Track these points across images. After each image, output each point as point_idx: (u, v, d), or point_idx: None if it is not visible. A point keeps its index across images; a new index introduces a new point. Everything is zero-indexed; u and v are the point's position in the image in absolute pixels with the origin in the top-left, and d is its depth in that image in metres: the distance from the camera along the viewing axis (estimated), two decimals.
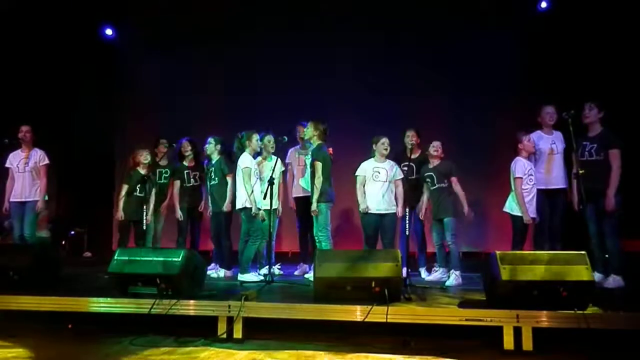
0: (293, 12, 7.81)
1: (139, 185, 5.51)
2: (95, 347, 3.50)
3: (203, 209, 5.89)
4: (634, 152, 4.91)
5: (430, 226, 5.29)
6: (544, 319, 3.37)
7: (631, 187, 4.71)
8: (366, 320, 3.49)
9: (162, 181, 5.95)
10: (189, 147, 5.89)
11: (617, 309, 3.45)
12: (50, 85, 7.99)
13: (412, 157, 5.38)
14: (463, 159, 6.72)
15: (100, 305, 3.86)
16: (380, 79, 7.68)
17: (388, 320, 3.45)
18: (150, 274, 3.87)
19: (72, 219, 8.29)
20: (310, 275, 5.01)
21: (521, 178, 4.65)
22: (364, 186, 5.15)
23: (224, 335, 3.63)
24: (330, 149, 5.21)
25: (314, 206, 5.00)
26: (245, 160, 5.15)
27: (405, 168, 5.24)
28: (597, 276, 4.44)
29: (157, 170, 5.88)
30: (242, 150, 5.24)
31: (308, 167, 5.43)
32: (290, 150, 5.92)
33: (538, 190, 4.83)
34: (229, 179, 5.47)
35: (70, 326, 3.87)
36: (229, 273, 5.48)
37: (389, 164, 5.17)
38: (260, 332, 3.68)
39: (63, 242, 7.95)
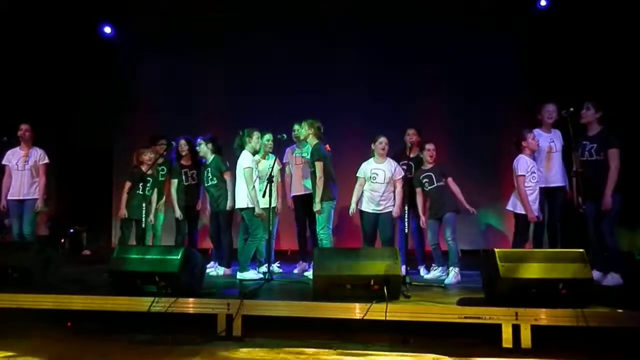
0: (293, 12, 7.80)
1: (141, 184, 5.51)
2: (95, 345, 3.49)
3: (200, 208, 5.87)
4: (634, 152, 4.91)
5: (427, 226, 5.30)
6: (542, 316, 3.38)
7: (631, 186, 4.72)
8: (365, 318, 3.50)
9: (159, 178, 5.95)
10: (186, 147, 5.88)
11: (615, 307, 3.45)
12: (49, 84, 7.98)
13: (411, 155, 5.38)
14: (463, 158, 6.75)
15: (100, 303, 3.86)
16: (380, 79, 7.67)
17: (387, 318, 3.46)
18: (149, 272, 3.87)
19: (71, 217, 8.28)
20: (309, 274, 5.02)
21: (524, 176, 4.65)
22: (362, 187, 5.18)
23: (223, 333, 3.63)
24: (327, 146, 5.22)
25: (317, 206, 5.00)
26: (246, 160, 5.14)
27: (404, 166, 5.24)
28: (596, 274, 4.44)
29: (155, 167, 5.87)
30: (242, 148, 5.24)
31: (307, 166, 5.44)
32: (287, 150, 5.93)
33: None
34: (226, 177, 5.46)
35: (69, 324, 3.86)
36: (228, 271, 5.48)
37: (389, 164, 5.18)
38: (259, 330, 3.68)
39: (62, 240, 7.94)
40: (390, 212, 5.15)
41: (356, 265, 3.76)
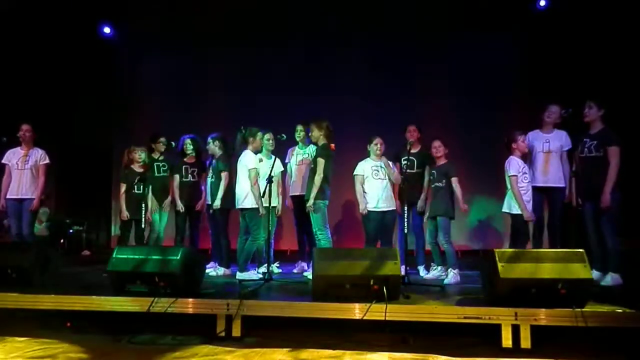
0: (293, 12, 7.80)
1: (135, 184, 5.51)
2: (94, 345, 3.49)
3: (200, 207, 5.86)
4: (633, 151, 4.91)
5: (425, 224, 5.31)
6: (542, 316, 3.37)
7: (631, 186, 4.72)
8: (365, 318, 3.50)
9: (160, 174, 5.93)
10: (191, 146, 5.89)
11: (615, 307, 3.45)
12: (49, 84, 7.98)
13: (413, 151, 5.40)
14: (463, 158, 6.74)
15: (99, 303, 3.86)
16: (380, 79, 7.68)
17: (387, 318, 3.45)
18: (149, 272, 3.87)
19: (71, 217, 8.28)
20: (308, 274, 5.02)
21: (516, 176, 4.66)
22: (363, 185, 5.17)
23: (223, 334, 3.63)
24: (333, 145, 5.23)
25: (310, 202, 4.99)
26: (250, 161, 5.14)
27: (406, 162, 5.25)
28: (596, 274, 4.45)
29: (154, 164, 5.87)
30: (244, 144, 5.24)
31: (310, 166, 5.44)
32: (289, 150, 5.93)
33: (535, 188, 4.84)
34: (222, 176, 5.46)
35: (68, 324, 3.86)
36: (227, 271, 5.48)
37: (385, 161, 5.22)
38: (259, 330, 3.68)
39: (61, 241, 7.95)
40: (393, 211, 5.17)
41: (355, 265, 3.75)
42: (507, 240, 4.90)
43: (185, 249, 4.05)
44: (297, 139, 5.78)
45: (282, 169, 5.80)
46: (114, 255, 4.05)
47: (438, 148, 5.09)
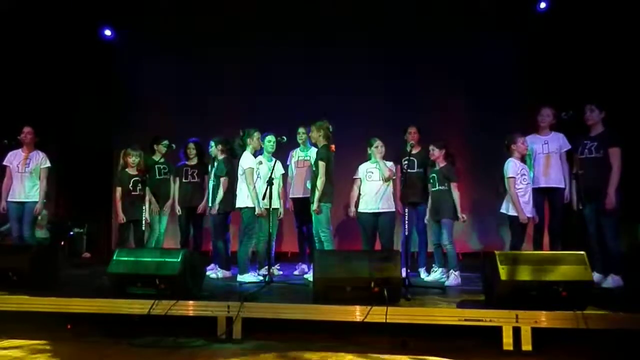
0: (293, 12, 7.81)
1: (131, 185, 5.51)
2: (94, 347, 3.49)
3: (202, 210, 5.86)
4: (633, 151, 4.91)
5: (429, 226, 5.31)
6: (543, 319, 3.37)
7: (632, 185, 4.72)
8: (365, 320, 3.50)
9: (160, 176, 5.93)
10: (194, 150, 5.90)
11: (616, 309, 3.45)
12: (50, 86, 7.98)
13: (413, 152, 5.41)
14: (463, 159, 6.73)
15: (100, 306, 3.85)
16: (380, 80, 7.67)
17: (387, 321, 3.45)
18: (149, 274, 3.87)
19: (71, 219, 8.27)
20: (309, 276, 5.01)
21: (514, 178, 4.66)
22: (357, 188, 5.21)
23: (224, 336, 3.63)
24: (333, 146, 5.23)
25: (315, 205, 5.01)
26: (247, 161, 5.15)
27: (406, 162, 5.26)
28: (596, 276, 4.45)
29: (155, 167, 5.87)
30: (243, 148, 5.25)
31: (311, 168, 5.45)
32: (290, 153, 5.93)
33: (536, 190, 4.84)
34: (221, 180, 5.46)
35: (69, 327, 3.86)
36: (228, 273, 5.47)
37: (384, 164, 5.20)
38: (259, 332, 3.68)
39: (62, 243, 7.94)
40: (390, 212, 5.16)
41: (356, 268, 3.75)
42: (509, 243, 4.89)
43: (186, 251, 4.05)
44: (299, 141, 5.78)
45: (283, 171, 5.80)
46: (114, 258, 4.05)
47: (432, 153, 5.11)
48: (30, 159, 5.67)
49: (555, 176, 4.91)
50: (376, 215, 5.13)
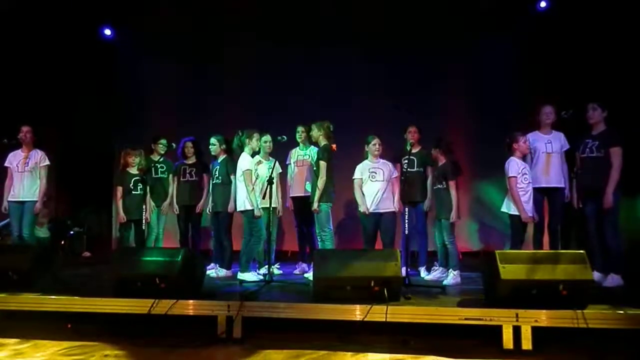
0: (294, 12, 7.80)
1: (132, 185, 5.51)
2: (95, 347, 3.49)
3: (199, 209, 5.85)
4: (633, 151, 4.91)
5: (433, 225, 5.31)
6: (543, 318, 3.37)
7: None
8: (366, 319, 3.50)
9: (159, 175, 5.93)
10: (192, 149, 5.89)
11: (616, 308, 3.45)
12: (50, 85, 7.98)
13: (413, 151, 5.41)
14: (462, 159, 6.73)
15: (100, 305, 3.86)
16: (380, 80, 7.67)
17: (387, 320, 3.46)
18: (149, 274, 3.87)
19: (71, 218, 8.28)
20: (309, 275, 5.02)
21: (515, 177, 4.65)
22: (361, 188, 5.19)
23: (224, 335, 3.63)
24: (334, 145, 5.23)
25: (315, 204, 5.01)
26: (245, 162, 5.15)
27: (406, 161, 5.26)
28: (597, 275, 4.45)
29: (153, 165, 5.87)
30: (241, 149, 5.24)
31: (310, 168, 5.45)
32: (290, 152, 5.93)
33: (536, 189, 4.84)
34: (232, 178, 5.45)
35: (69, 326, 3.86)
36: (228, 273, 5.47)
37: (385, 164, 5.23)
38: (259, 331, 3.68)
39: (62, 242, 7.93)
40: (392, 212, 5.16)
41: (356, 267, 3.75)
42: (509, 242, 4.89)
43: (186, 250, 4.06)
44: (298, 140, 5.78)
45: (280, 170, 5.79)
46: (114, 257, 4.05)
47: (435, 151, 5.11)
48: (30, 157, 5.67)
49: (555, 175, 4.91)
50: (379, 215, 5.13)
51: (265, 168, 5.37)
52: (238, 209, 5.21)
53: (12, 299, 3.98)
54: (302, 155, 5.77)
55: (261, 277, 5.05)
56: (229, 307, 3.67)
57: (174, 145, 5.95)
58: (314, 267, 3.85)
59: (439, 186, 5.05)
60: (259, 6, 7.91)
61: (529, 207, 4.66)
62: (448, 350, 3.31)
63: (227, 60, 8.11)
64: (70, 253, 7.89)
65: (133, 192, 5.53)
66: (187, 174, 5.87)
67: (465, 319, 3.45)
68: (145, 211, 5.38)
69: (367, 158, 5.27)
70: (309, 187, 5.52)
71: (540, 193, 4.90)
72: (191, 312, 3.75)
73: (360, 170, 5.22)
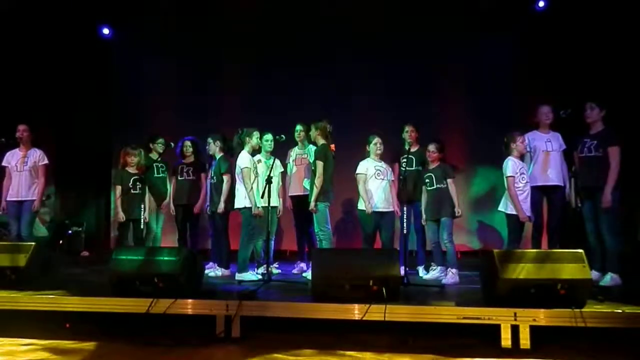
0: (294, 12, 7.80)
1: (131, 184, 5.51)
2: (93, 346, 3.49)
3: (198, 209, 5.83)
4: (633, 151, 4.93)
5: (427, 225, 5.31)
6: (541, 317, 3.38)
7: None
8: (364, 318, 3.50)
9: (158, 175, 5.92)
10: (191, 149, 5.89)
11: (614, 307, 3.45)
12: (49, 84, 7.98)
13: (412, 150, 5.42)
14: (462, 158, 6.76)
15: (98, 304, 3.85)
16: (380, 80, 7.68)
17: (386, 319, 3.46)
18: (148, 273, 3.87)
19: (70, 218, 8.27)
20: (308, 274, 5.02)
21: (513, 177, 4.66)
22: (365, 185, 5.18)
23: (222, 334, 3.63)
24: (333, 146, 5.23)
25: (312, 204, 5.02)
26: (244, 160, 5.15)
27: (405, 161, 5.27)
28: (595, 274, 4.45)
29: (153, 165, 5.86)
30: (241, 147, 5.25)
31: (309, 167, 5.46)
32: (289, 151, 5.93)
33: (535, 188, 4.85)
34: (224, 178, 5.45)
35: (68, 325, 3.86)
36: (227, 272, 5.47)
37: (386, 163, 5.26)
38: (258, 331, 3.68)
39: (60, 242, 7.93)
40: (391, 212, 5.18)
41: (355, 266, 3.75)
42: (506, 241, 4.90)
43: (185, 249, 4.06)
44: (297, 139, 5.78)
45: (282, 169, 5.81)
46: (113, 256, 4.04)
47: (431, 153, 5.11)
48: (28, 157, 5.67)
49: (555, 175, 4.92)
50: (379, 214, 5.13)
51: (265, 167, 5.38)
52: (236, 207, 5.21)
53: (10, 298, 3.97)
54: (300, 154, 5.78)
55: (259, 277, 5.05)
56: (228, 307, 3.66)
57: (172, 144, 5.95)
58: (313, 266, 3.85)
59: (439, 186, 5.05)
60: (259, 6, 7.91)
61: (526, 206, 4.67)
62: (446, 349, 3.32)
63: (226, 60, 8.11)
64: (69, 252, 7.89)
65: (132, 192, 5.53)
66: (185, 173, 5.87)
67: (464, 318, 3.45)
68: (144, 210, 5.37)
69: (368, 156, 5.27)
70: (307, 185, 5.52)
71: (539, 192, 4.92)
72: (190, 312, 3.74)
73: (365, 167, 5.20)
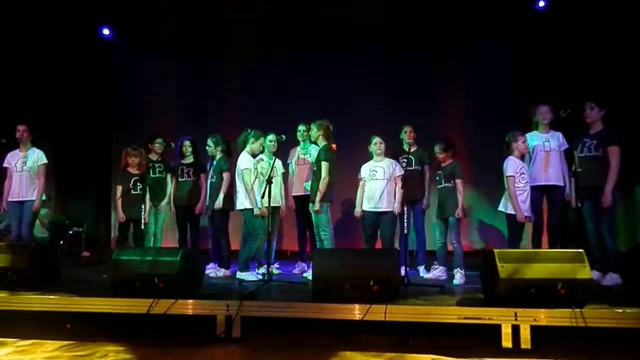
0: (294, 12, 7.80)
1: (132, 184, 5.51)
2: (94, 347, 3.49)
3: (199, 210, 5.84)
4: (632, 151, 4.93)
5: (431, 224, 5.31)
6: (542, 317, 3.38)
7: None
8: (365, 318, 3.50)
9: (156, 175, 5.92)
10: (190, 149, 5.89)
11: (614, 307, 3.45)
12: (49, 85, 7.98)
13: (411, 150, 5.42)
14: (461, 158, 6.74)
15: (99, 305, 3.85)
16: (380, 80, 7.68)
17: (387, 319, 3.46)
18: (148, 273, 3.87)
19: (70, 218, 8.27)
20: (308, 274, 5.02)
21: (513, 177, 4.66)
22: (362, 188, 5.20)
23: (223, 335, 3.62)
24: (334, 145, 5.24)
25: (316, 205, 5.01)
26: (244, 161, 5.15)
27: (404, 160, 5.27)
28: (595, 274, 4.45)
29: (150, 165, 5.86)
30: (244, 146, 5.25)
31: (310, 167, 5.45)
32: (291, 151, 5.93)
33: (535, 188, 4.85)
34: (224, 176, 5.44)
35: (68, 326, 3.86)
36: (227, 272, 5.47)
37: (388, 162, 5.22)
38: (258, 331, 3.68)
39: (61, 242, 7.93)
40: (392, 211, 5.16)
41: (355, 266, 3.75)
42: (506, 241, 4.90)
43: (185, 250, 4.06)
44: (300, 139, 5.79)
45: (283, 169, 5.80)
46: (113, 257, 4.04)
47: (437, 154, 5.12)
48: (28, 157, 5.66)
49: (554, 174, 4.92)
50: (378, 214, 5.13)
51: (266, 167, 5.38)
52: (238, 208, 5.22)
53: (11, 298, 3.98)
54: (302, 154, 5.77)
55: (260, 277, 5.05)
56: (228, 307, 3.66)
57: (172, 144, 5.95)
58: (314, 266, 3.85)
59: (446, 185, 5.05)
60: (259, 6, 7.91)
61: (525, 206, 4.67)
62: (447, 349, 3.32)
63: (227, 60, 8.11)
64: (69, 253, 7.89)
65: (132, 192, 5.53)
66: (185, 174, 5.86)
67: (464, 318, 3.45)
68: (144, 211, 5.37)
69: (372, 158, 5.28)
70: (307, 186, 5.52)
71: (539, 191, 4.91)
72: (190, 312, 3.74)
73: (363, 170, 5.24)
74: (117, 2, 8.06)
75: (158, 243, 5.92)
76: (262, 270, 5.26)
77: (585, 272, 3.45)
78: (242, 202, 5.13)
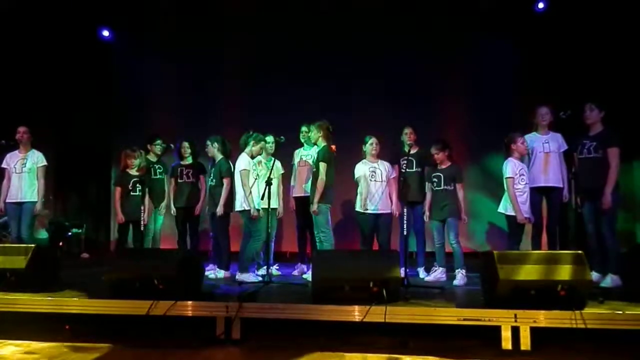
0: (294, 12, 7.80)
1: (131, 186, 5.51)
2: (93, 349, 3.48)
3: (198, 211, 5.83)
4: (632, 151, 4.93)
5: (430, 226, 5.30)
6: (541, 318, 3.37)
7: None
8: (364, 320, 3.49)
9: (156, 176, 5.92)
10: (189, 150, 5.88)
11: (614, 309, 3.45)
12: (49, 85, 7.98)
13: (411, 152, 5.42)
14: (461, 159, 6.75)
15: (98, 306, 3.85)
16: (381, 80, 7.68)
17: (386, 321, 3.45)
18: (148, 275, 3.86)
19: (70, 220, 8.27)
20: (308, 276, 5.01)
21: (512, 178, 4.66)
22: (366, 188, 5.18)
23: (222, 336, 3.62)
24: (333, 146, 5.24)
25: (315, 206, 5.01)
26: (242, 163, 5.15)
27: (405, 162, 5.27)
28: (595, 275, 4.45)
29: (151, 166, 5.86)
30: (244, 147, 5.25)
31: (310, 169, 5.45)
32: (295, 152, 5.92)
33: (534, 189, 4.85)
34: (224, 181, 5.43)
35: (67, 327, 3.85)
36: (227, 274, 5.47)
37: (383, 163, 5.23)
38: (258, 332, 3.68)
39: (61, 243, 7.93)
40: (389, 213, 5.16)
41: (355, 268, 3.75)
42: (506, 242, 4.90)
43: (185, 251, 4.06)
44: (302, 140, 5.79)
45: (282, 171, 5.80)
46: (113, 258, 4.04)
47: (435, 155, 5.11)
48: (27, 158, 5.66)
49: (554, 175, 4.92)
50: (376, 216, 5.13)
51: (265, 168, 5.38)
52: (236, 209, 5.21)
53: (11, 300, 3.97)
54: (304, 155, 5.78)
55: (260, 278, 5.05)
56: (228, 308, 3.66)
57: (172, 145, 5.94)
58: (313, 267, 3.85)
59: (446, 187, 5.05)
60: (259, 6, 7.91)
61: (525, 208, 4.67)
62: (447, 350, 3.31)
63: (227, 60, 8.12)
64: (69, 254, 7.88)
65: (132, 193, 5.53)
66: (185, 176, 5.86)
67: (464, 319, 3.45)
68: (144, 212, 5.37)
69: (365, 158, 5.26)
70: (307, 188, 5.52)
71: (538, 193, 4.91)
72: (190, 313, 3.74)
73: (361, 169, 5.22)
74: (117, 2, 8.06)
75: (157, 244, 5.92)
76: (262, 271, 5.25)
77: (585, 273, 3.45)
78: (240, 203, 5.13)
